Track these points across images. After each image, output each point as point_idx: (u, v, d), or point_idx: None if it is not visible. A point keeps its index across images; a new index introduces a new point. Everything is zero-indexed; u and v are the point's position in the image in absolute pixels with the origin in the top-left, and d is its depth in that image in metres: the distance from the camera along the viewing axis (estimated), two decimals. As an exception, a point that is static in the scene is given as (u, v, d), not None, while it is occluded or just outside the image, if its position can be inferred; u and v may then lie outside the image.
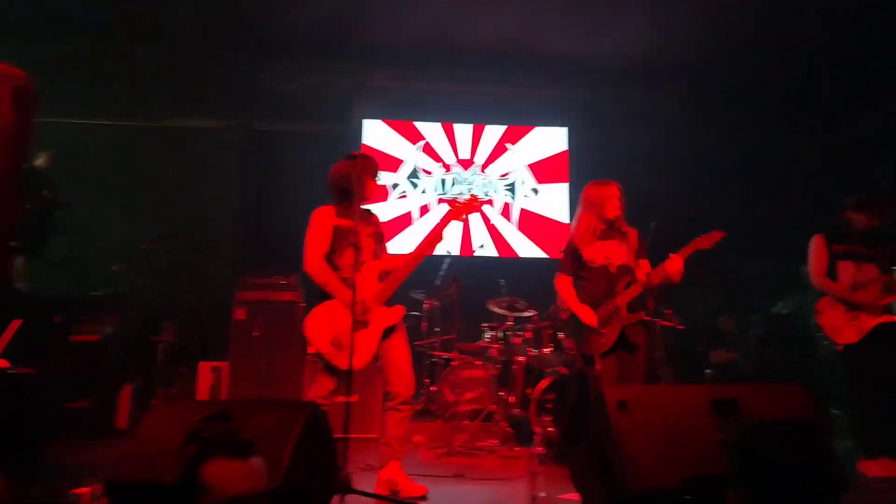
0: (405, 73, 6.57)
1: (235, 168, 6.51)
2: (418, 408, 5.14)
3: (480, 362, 4.96)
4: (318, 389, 2.83)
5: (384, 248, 3.18)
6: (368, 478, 3.03)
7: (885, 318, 3.34)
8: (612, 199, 3.27)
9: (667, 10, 5.50)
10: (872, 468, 3.29)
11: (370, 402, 4.37)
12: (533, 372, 4.58)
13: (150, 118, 6.34)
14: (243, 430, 1.99)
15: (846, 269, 3.50)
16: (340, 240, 2.95)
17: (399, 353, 2.97)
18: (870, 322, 3.37)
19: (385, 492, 2.80)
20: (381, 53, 6.28)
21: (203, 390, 4.97)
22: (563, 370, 4.38)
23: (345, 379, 2.78)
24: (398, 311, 3.00)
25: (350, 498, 2.49)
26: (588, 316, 3.17)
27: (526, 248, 6.69)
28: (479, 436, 4.37)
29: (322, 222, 2.98)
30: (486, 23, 5.81)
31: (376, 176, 3.11)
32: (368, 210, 3.16)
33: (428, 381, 5.34)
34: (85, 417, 4.72)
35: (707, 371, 5.84)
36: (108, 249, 5.64)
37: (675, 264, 3.06)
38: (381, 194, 3.15)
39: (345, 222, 2.98)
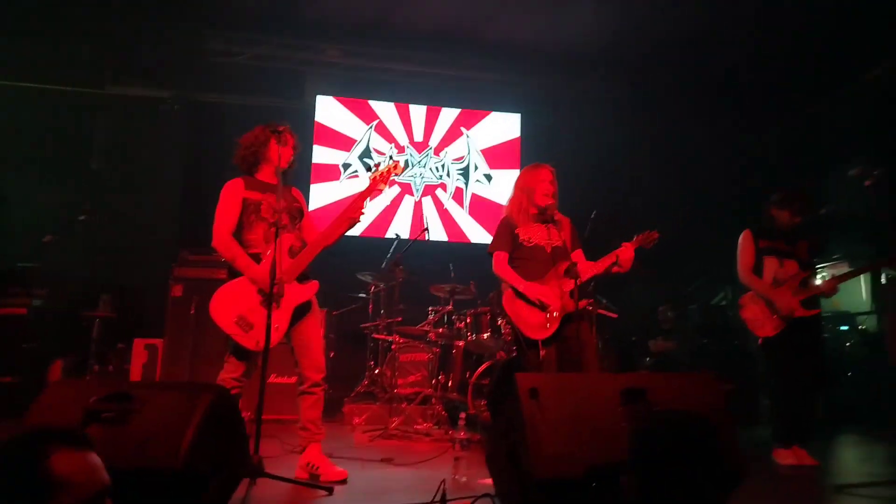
0: (358, 51, 6.42)
1: (177, 139, 6.27)
2: (361, 390, 5.14)
3: (423, 346, 4.98)
4: (228, 371, 2.73)
5: (304, 225, 3.05)
6: (294, 461, 3.00)
7: (800, 313, 3.45)
8: (543, 182, 3.24)
9: (620, 1, 5.53)
10: (784, 456, 3.43)
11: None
12: (472, 357, 4.62)
13: (86, 84, 6.03)
14: (142, 412, 1.95)
15: (770, 265, 3.60)
16: (250, 214, 2.85)
17: (310, 335, 2.87)
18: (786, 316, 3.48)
19: (305, 475, 2.75)
20: (333, 29, 6.12)
21: (136, 368, 4.84)
22: (502, 355, 4.43)
23: (257, 361, 2.71)
24: (311, 288, 2.87)
25: (265, 482, 2.46)
26: (541, 292, 3.03)
27: (476, 234, 6.70)
28: (415, 419, 4.39)
29: (230, 196, 2.86)
30: (440, 4, 5.73)
31: (290, 146, 2.95)
32: (287, 185, 3.03)
33: (372, 363, 5.33)
34: (10, 394, 4.56)
35: (646, 359, 5.99)
36: (37, 219, 5.40)
37: (627, 252, 3.03)
38: (284, 161, 2.98)
39: (254, 195, 2.88)
